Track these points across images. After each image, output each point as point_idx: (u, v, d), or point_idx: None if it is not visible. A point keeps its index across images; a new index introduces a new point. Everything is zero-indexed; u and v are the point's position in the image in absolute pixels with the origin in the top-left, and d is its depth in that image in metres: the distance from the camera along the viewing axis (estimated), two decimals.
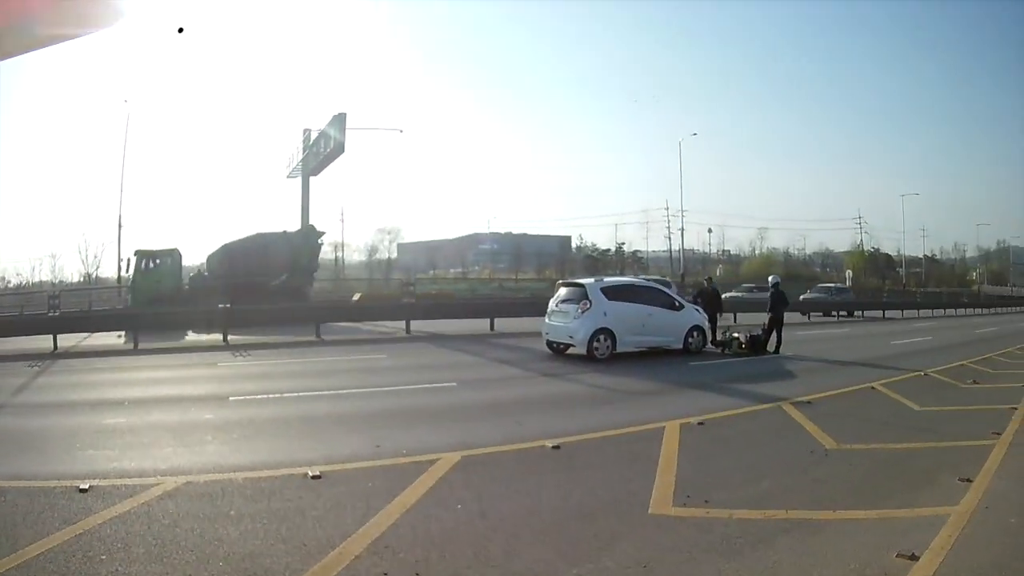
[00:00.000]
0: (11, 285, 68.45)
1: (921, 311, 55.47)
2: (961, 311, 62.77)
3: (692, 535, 6.23)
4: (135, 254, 35.71)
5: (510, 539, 6.13)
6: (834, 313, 44.75)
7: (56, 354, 21.20)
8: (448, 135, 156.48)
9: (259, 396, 13.56)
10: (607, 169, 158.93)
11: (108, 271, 36.50)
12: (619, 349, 19.19)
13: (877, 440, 10.06)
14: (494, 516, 6.68)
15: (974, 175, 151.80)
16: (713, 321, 22.77)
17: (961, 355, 21.57)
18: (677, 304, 21.16)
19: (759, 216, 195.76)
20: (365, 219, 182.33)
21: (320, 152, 39.41)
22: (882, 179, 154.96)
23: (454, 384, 14.84)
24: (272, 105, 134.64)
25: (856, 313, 47.28)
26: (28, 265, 76.84)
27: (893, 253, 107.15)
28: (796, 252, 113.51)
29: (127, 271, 36.19)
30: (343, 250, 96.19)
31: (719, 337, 22.02)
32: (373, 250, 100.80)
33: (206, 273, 37.40)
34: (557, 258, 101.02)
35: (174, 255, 35.67)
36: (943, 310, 59.63)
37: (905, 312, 52.53)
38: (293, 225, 39.79)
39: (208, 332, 25.12)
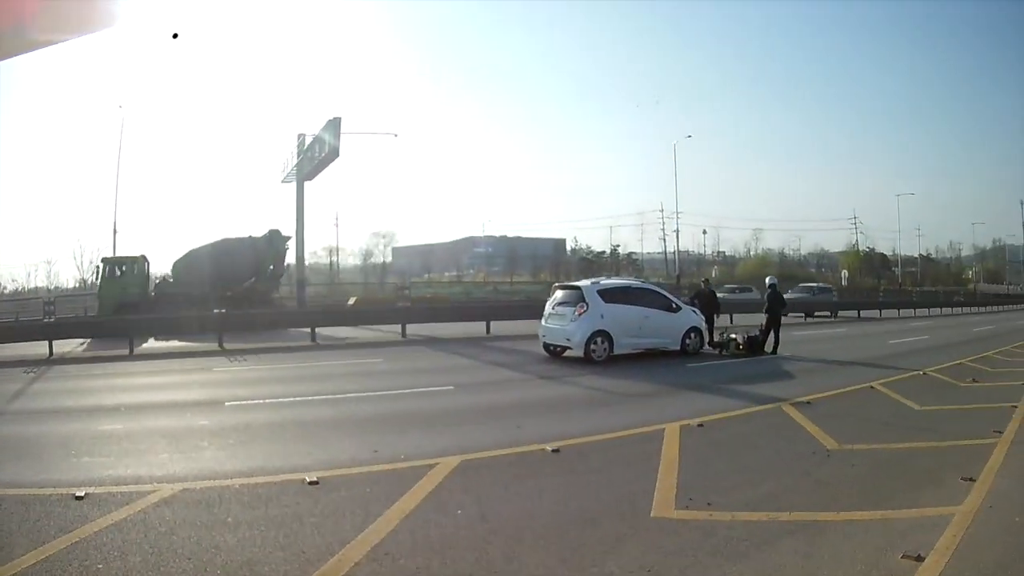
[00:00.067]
0: (7, 291, 68.43)
1: (917, 310, 55.59)
2: (957, 310, 62.90)
3: (695, 538, 6.16)
4: (101, 261, 35.90)
5: (511, 544, 6.04)
6: (816, 314, 44.23)
7: (52, 360, 21.12)
8: (442, 139, 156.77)
9: (255, 401, 13.43)
10: (602, 171, 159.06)
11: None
12: (616, 351, 19.15)
13: (878, 440, 10.01)
14: (495, 521, 6.61)
15: (969, 174, 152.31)
16: (710, 322, 22.77)
17: (959, 354, 21.60)
18: (674, 306, 21.09)
19: (754, 217, 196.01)
20: (360, 223, 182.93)
21: (315, 157, 39.26)
22: (877, 179, 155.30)
23: (451, 388, 14.75)
24: (267, 110, 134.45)
25: (840, 314, 47.02)
26: (24, 271, 76.84)
27: (888, 253, 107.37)
28: (791, 253, 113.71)
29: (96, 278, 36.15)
30: (338, 254, 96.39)
31: (716, 338, 22.01)
32: (368, 254, 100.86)
33: (171, 280, 37.26)
34: (552, 260, 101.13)
35: (139, 262, 35.56)
36: (939, 309, 59.73)
37: (901, 311, 52.64)
38: (288, 231, 39.64)
39: (169, 339, 24.93)
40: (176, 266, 37.34)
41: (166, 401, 13.69)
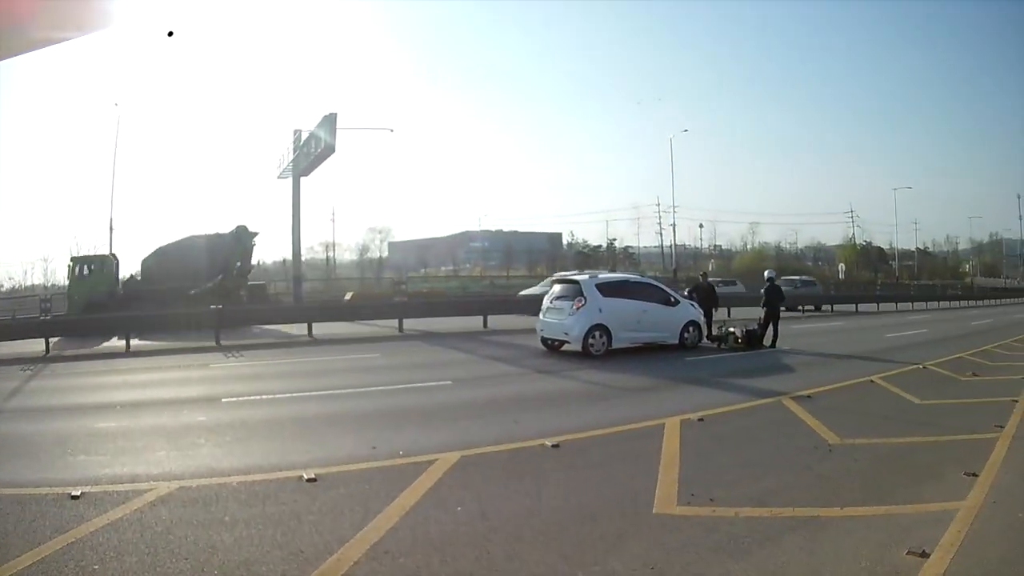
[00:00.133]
0: (4, 289, 68.24)
1: (915, 304, 55.60)
2: (954, 303, 62.89)
3: (698, 535, 6.11)
4: (71, 260, 35.74)
5: (512, 542, 5.98)
6: (800, 309, 42.86)
7: (48, 357, 21.07)
8: (438, 133, 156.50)
9: (252, 397, 13.41)
10: (598, 166, 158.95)
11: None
12: (614, 345, 19.10)
13: (880, 435, 9.95)
14: (495, 518, 6.54)
15: (966, 168, 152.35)
16: (708, 316, 22.69)
17: (958, 348, 21.52)
18: (672, 299, 21.01)
19: (751, 211, 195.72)
20: (356, 219, 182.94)
21: (311, 152, 39.11)
22: (874, 173, 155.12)
23: (449, 382, 14.72)
24: (263, 106, 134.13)
25: (837, 307, 46.85)
26: (21, 269, 76.68)
27: (885, 246, 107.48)
28: (788, 246, 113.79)
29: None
30: (334, 250, 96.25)
31: (715, 332, 21.98)
32: (364, 249, 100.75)
33: (139, 278, 37.11)
34: (548, 255, 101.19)
35: (107, 261, 35.54)
36: (937, 303, 59.74)
37: (899, 305, 52.64)
38: (284, 227, 39.58)
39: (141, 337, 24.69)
40: (144, 264, 37.14)
41: (162, 398, 13.58)
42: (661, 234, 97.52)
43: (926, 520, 6.44)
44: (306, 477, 7.72)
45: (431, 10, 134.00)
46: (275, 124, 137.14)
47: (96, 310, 30.20)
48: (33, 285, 70.89)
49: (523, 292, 37.66)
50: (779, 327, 22.24)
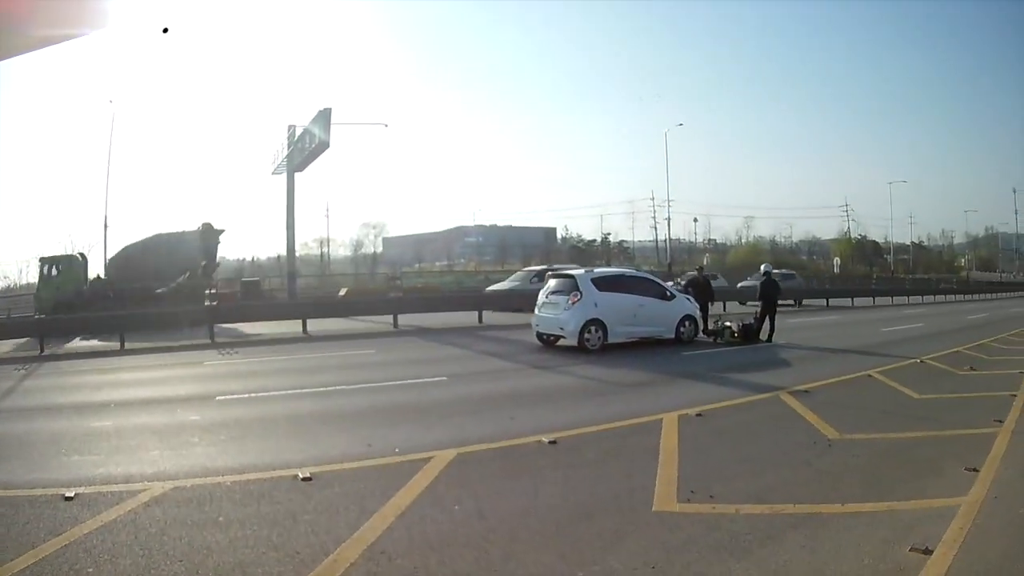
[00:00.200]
0: None
1: (910, 298, 55.70)
2: (950, 297, 63.04)
3: (699, 533, 6.04)
4: (39, 261, 35.38)
5: (510, 541, 5.91)
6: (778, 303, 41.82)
7: (43, 356, 20.98)
8: (433, 128, 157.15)
9: (246, 395, 13.34)
10: (592, 160, 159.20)
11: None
12: (610, 340, 19.05)
13: (879, 429, 9.93)
14: (492, 517, 6.47)
15: (961, 162, 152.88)
16: (704, 310, 22.66)
17: (954, 342, 21.55)
18: (668, 294, 20.94)
19: (745, 205, 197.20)
20: (350, 214, 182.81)
21: (305, 148, 39.09)
22: (869, 167, 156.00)
23: (444, 378, 14.61)
24: (258, 102, 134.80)
25: (832, 301, 46.57)
26: (15, 268, 76.27)
27: (880, 240, 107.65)
28: (783, 240, 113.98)
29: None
30: (329, 245, 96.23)
31: (711, 326, 21.90)
32: (359, 245, 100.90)
33: (104, 278, 36.87)
34: (543, 249, 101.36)
35: (74, 261, 35.20)
36: (932, 296, 59.88)
37: (895, 299, 52.70)
38: (279, 223, 39.46)
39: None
40: (111, 263, 37.02)
41: (156, 396, 13.49)
42: (656, 228, 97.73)
43: (928, 516, 6.40)
44: (301, 476, 7.64)
45: (426, 5, 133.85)
46: (270, 120, 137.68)
47: (63, 310, 29.92)
48: (29, 283, 70.73)
49: (491, 288, 37.55)
50: (775, 321, 22.16)
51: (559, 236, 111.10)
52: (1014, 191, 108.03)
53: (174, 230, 37.86)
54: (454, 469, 7.94)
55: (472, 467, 8.09)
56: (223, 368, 17.78)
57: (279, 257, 45.41)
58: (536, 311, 20.49)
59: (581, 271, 20.85)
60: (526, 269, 41.40)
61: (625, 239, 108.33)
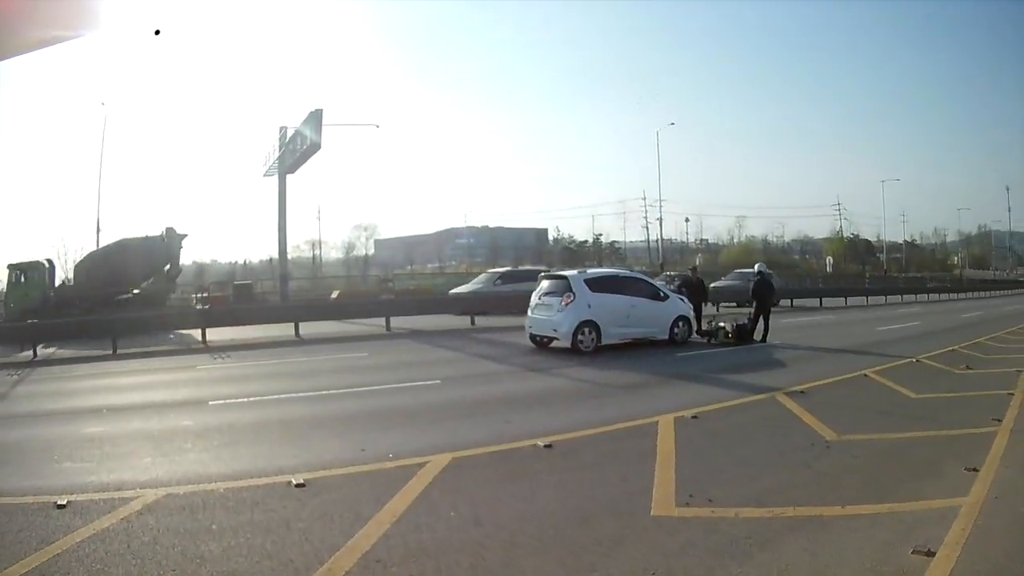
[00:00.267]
0: None
1: (904, 296, 55.80)
2: (944, 296, 63.21)
3: (698, 537, 5.97)
4: (7, 267, 35.43)
5: (508, 548, 5.84)
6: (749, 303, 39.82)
7: (36, 362, 20.89)
8: (423, 130, 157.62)
9: (239, 400, 13.22)
10: (583, 161, 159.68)
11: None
12: (604, 341, 19.00)
13: (877, 430, 9.87)
14: (489, 523, 6.39)
15: (954, 160, 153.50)
16: (698, 311, 22.60)
17: (950, 340, 21.54)
18: (661, 294, 20.92)
19: (737, 204, 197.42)
20: (342, 216, 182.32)
21: (296, 149, 38.97)
22: (861, 166, 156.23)
23: (438, 382, 14.58)
24: (249, 104, 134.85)
25: (825, 301, 46.40)
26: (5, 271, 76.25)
27: (873, 239, 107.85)
28: (775, 240, 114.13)
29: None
30: (320, 248, 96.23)
31: (705, 327, 21.86)
32: (350, 247, 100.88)
33: (70, 284, 36.76)
34: (534, 250, 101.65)
35: (40, 267, 35.01)
36: (926, 295, 60.01)
37: (888, 298, 52.77)
38: (271, 225, 39.41)
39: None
40: (76, 270, 36.90)
41: (149, 401, 13.43)
42: (647, 229, 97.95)
43: (929, 517, 6.35)
44: (295, 482, 7.55)
45: (417, 7, 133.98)
46: (261, 122, 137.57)
47: (30, 316, 29.75)
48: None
49: (454, 291, 37.49)
50: (770, 321, 22.14)
51: (551, 237, 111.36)
52: (1007, 189, 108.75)
53: (138, 234, 37.80)
54: (449, 474, 7.86)
55: (467, 472, 8.01)
56: (216, 372, 17.69)
57: (271, 260, 45.49)
58: (529, 313, 20.42)
59: (574, 272, 20.75)
60: (490, 271, 41.26)
61: (617, 240, 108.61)
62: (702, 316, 22.92)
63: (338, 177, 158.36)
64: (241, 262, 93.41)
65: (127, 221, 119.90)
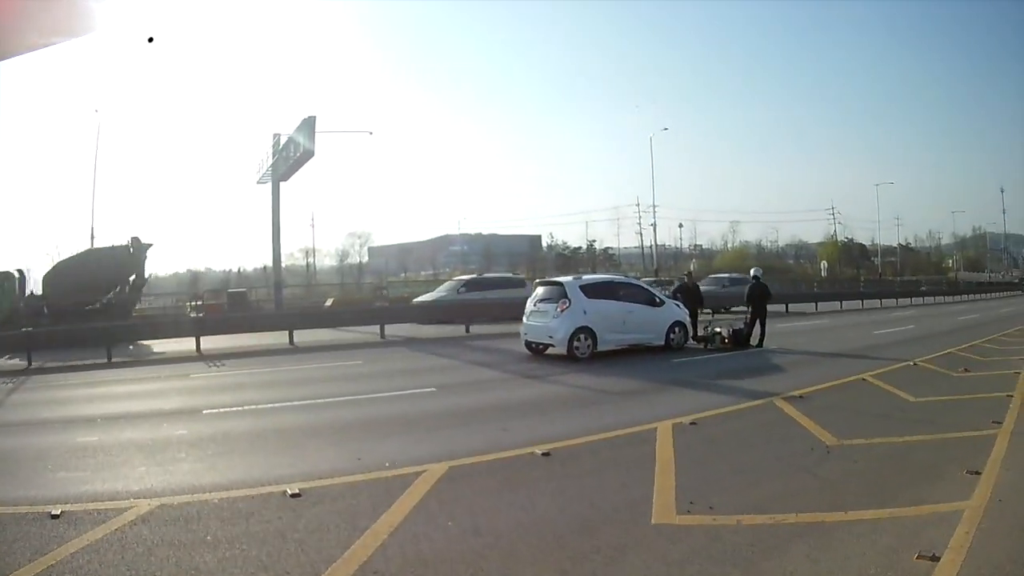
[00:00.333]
0: None
1: (899, 300, 55.89)
2: (939, 299, 63.36)
3: (700, 545, 5.90)
4: None
5: (508, 558, 5.76)
6: (724, 310, 38.59)
7: (30, 370, 20.76)
8: (417, 137, 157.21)
9: (233, 408, 13.15)
10: (576, 166, 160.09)
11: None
12: (600, 348, 18.96)
13: (877, 434, 9.80)
14: (488, 532, 6.31)
15: (949, 162, 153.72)
16: (694, 316, 22.52)
17: (946, 343, 21.53)
18: (657, 300, 20.87)
19: (731, 209, 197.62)
20: (336, 224, 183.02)
21: (290, 157, 38.91)
22: (856, 169, 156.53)
23: (433, 389, 14.48)
24: (242, 111, 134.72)
25: (821, 305, 46.30)
26: None
27: (867, 243, 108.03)
28: (769, 244, 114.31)
29: None
30: (314, 255, 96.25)
31: (701, 332, 21.82)
32: (344, 254, 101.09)
33: (38, 293, 36.48)
34: (528, 257, 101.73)
35: (11, 277, 34.72)
36: (921, 298, 60.12)
37: (883, 301, 52.83)
38: (264, 233, 39.34)
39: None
40: (45, 280, 36.67)
41: (144, 410, 13.30)
42: (641, 234, 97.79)
43: (933, 522, 6.32)
44: (290, 492, 7.46)
45: (410, 14, 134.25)
46: (254, 129, 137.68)
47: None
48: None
49: (418, 299, 37.55)
50: (766, 326, 22.13)
51: (544, 243, 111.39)
52: (1002, 190, 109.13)
53: (105, 245, 37.75)
54: (446, 483, 7.78)
55: (465, 480, 7.93)
56: (210, 381, 17.63)
57: (265, 267, 45.44)
58: (524, 320, 20.41)
59: (569, 278, 20.68)
60: (455, 279, 41.11)
61: (611, 246, 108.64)
62: (698, 321, 22.85)
63: (332, 184, 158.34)
64: (235, 270, 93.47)
65: (121, 228, 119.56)
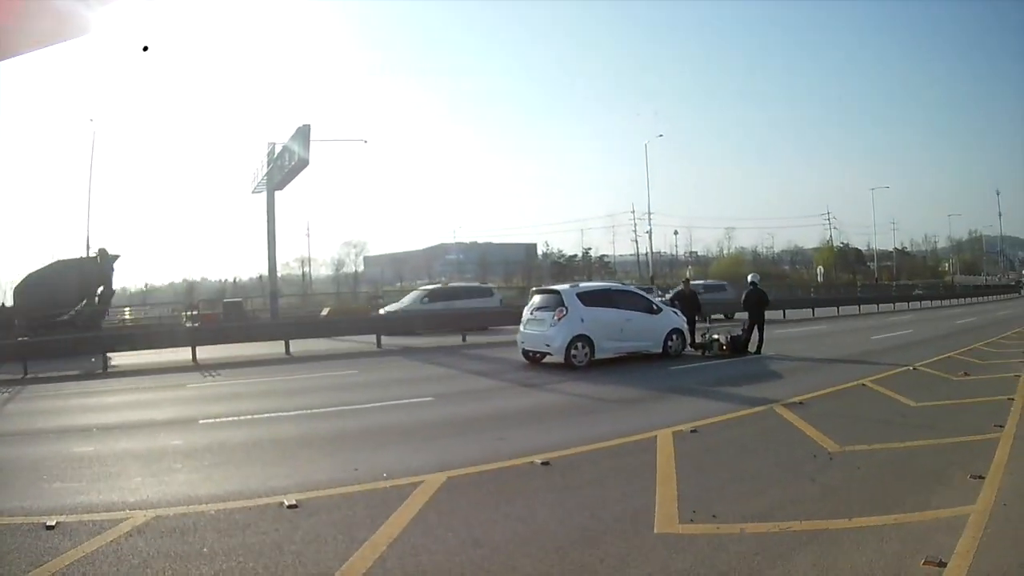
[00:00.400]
0: None
1: (896, 304, 55.94)
2: (936, 303, 63.41)
3: (705, 555, 5.81)
4: None
5: (509, 571, 5.66)
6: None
7: (26, 379, 20.66)
8: (412, 147, 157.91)
9: (229, 418, 13.02)
10: (571, 175, 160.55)
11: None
12: (597, 355, 18.93)
13: (879, 440, 9.74)
14: (489, 544, 6.21)
15: (944, 166, 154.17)
16: (692, 323, 22.51)
17: (945, 347, 21.60)
18: (654, 307, 20.82)
19: (727, 216, 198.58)
20: (331, 233, 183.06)
21: (285, 166, 38.81)
22: (851, 174, 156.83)
23: (430, 399, 14.40)
24: (238, 120, 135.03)
25: (818, 311, 46.49)
26: None
27: (863, 247, 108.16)
28: (764, 251, 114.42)
29: None
30: (310, 265, 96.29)
31: (699, 339, 21.76)
32: (340, 264, 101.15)
33: (8, 305, 36.41)
34: (523, 266, 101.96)
35: None
36: (919, 303, 60.15)
37: (880, 306, 52.89)
38: (260, 242, 39.27)
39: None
40: (15, 291, 36.63)
41: (139, 420, 13.26)
42: (636, 242, 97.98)
43: (938, 527, 6.28)
44: (287, 503, 7.37)
45: (406, 23, 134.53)
46: (249, 138, 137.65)
47: None
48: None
49: (384, 309, 37.25)
50: (764, 332, 22.09)
51: (540, 252, 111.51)
52: (998, 193, 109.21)
53: (73, 256, 37.74)
54: (445, 493, 7.70)
55: (464, 491, 7.84)
56: (206, 391, 17.49)
57: (261, 277, 45.37)
58: (521, 328, 20.34)
59: (566, 286, 20.64)
60: (421, 288, 40.82)
61: (606, 253, 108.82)
62: (696, 328, 22.82)
63: (327, 194, 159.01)
64: (231, 280, 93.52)
65: (117, 237, 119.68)
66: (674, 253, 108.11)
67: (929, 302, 62.62)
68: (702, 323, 26.31)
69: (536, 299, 20.44)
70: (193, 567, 5.83)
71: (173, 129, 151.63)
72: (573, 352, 18.55)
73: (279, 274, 47.50)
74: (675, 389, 15.12)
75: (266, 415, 13.20)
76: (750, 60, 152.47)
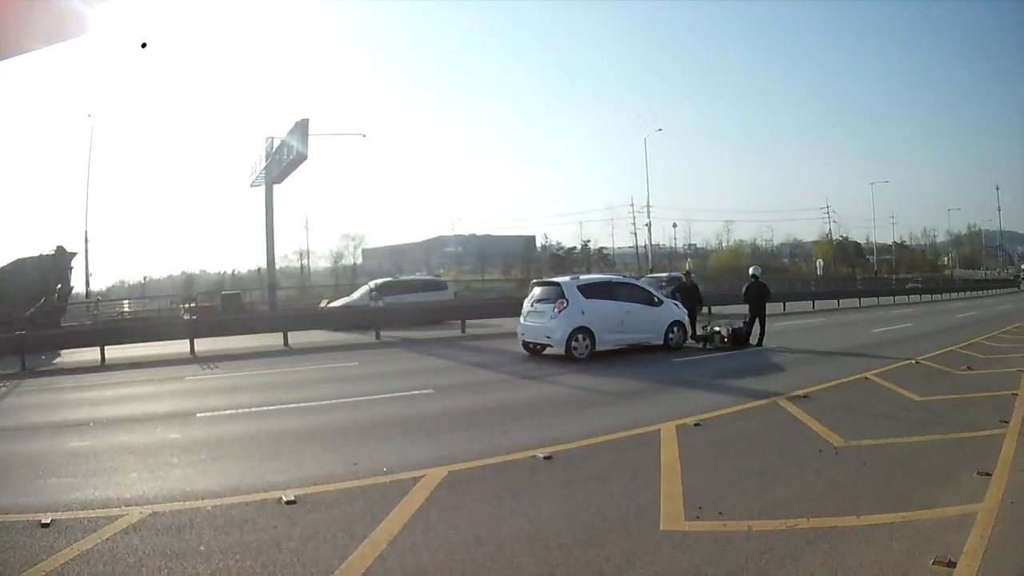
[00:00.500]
0: None
1: (896, 298, 55.90)
2: (936, 296, 63.45)
3: (712, 553, 5.72)
4: None
5: (512, 569, 5.56)
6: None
7: (24, 373, 20.51)
8: (410, 139, 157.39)
9: (227, 412, 12.93)
10: (570, 167, 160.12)
11: (76, 287, 36.08)
12: (598, 348, 18.85)
13: (885, 435, 9.67)
14: (491, 542, 6.10)
15: (944, 160, 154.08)
16: (693, 316, 22.43)
17: (946, 341, 21.57)
18: (655, 300, 20.74)
19: (726, 209, 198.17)
20: (330, 226, 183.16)
21: (283, 159, 38.71)
22: (850, 168, 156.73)
23: (431, 391, 14.27)
24: (236, 114, 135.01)
25: (817, 304, 46.13)
26: None
27: (862, 241, 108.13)
28: (764, 244, 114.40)
29: None
30: (308, 257, 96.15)
31: (700, 332, 21.69)
32: (339, 256, 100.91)
33: None
34: (522, 258, 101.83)
35: None
36: (919, 296, 60.11)
37: (880, 299, 52.85)
38: (258, 235, 39.15)
39: None
40: None
41: (137, 414, 13.11)
42: (635, 234, 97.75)
43: (947, 525, 6.20)
44: (285, 499, 7.27)
45: (403, 15, 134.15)
46: (248, 132, 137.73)
47: None
48: None
49: (336, 302, 37.04)
50: (765, 325, 22.02)
51: (539, 244, 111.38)
52: (997, 188, 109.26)
53: (34, 254, 37.49)
54: (446, 489, 7.60)
55: (466, 486, 7.74)
56: (204, 383, 17.40)
57: (259, 270, 45.20)
58: (521, 320, 20.28)
59: (567, 278, 20.54)
60: (371, 283, 40.44)
61: (605, 246, 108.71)
62: (696, 321, 22.75)
63: (325, 187, 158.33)
64: (230, 272, 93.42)
65: (115, 232, 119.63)
66: (673, 246, 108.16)
67: (929, 296, 62.67)
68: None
69: (536, 291, 20.36)
70: (189, 566, 5.74)
71: (172, 124, 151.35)
72: (574, 344, 18.48)
73: (278, 267, 47.42)
74: (677, 382, 15.09)
75: (264, 408, 13.12)
76: (749, 55, 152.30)
